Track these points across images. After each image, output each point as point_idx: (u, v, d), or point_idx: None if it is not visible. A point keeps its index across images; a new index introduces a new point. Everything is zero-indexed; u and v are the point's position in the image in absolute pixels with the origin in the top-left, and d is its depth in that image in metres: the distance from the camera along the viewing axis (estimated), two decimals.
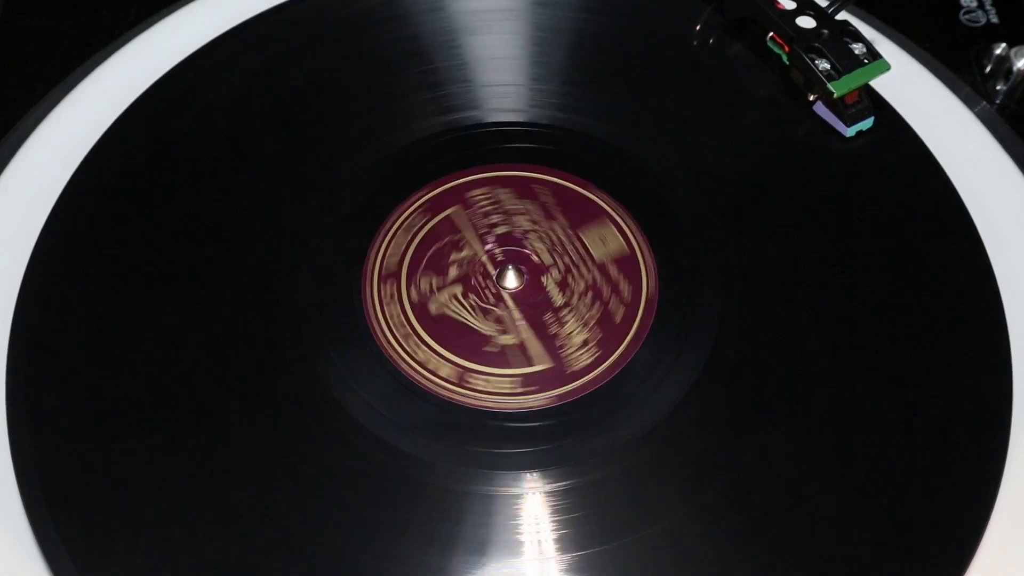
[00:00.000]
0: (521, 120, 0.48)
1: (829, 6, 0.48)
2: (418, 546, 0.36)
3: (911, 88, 0.50)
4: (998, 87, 0.51)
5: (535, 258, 0.43)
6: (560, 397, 0.40)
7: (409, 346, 0.41)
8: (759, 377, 0.40)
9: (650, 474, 0.38)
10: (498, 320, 0.42)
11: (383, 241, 0.43)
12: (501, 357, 0.41)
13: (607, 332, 0.41)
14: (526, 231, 0.44)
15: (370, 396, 0.39)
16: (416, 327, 0.41)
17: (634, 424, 0.39)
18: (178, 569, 0.36)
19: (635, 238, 0.44)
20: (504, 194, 0.45)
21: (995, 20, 0.55)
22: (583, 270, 0.43)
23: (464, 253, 0.43)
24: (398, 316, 0.41)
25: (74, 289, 0.42)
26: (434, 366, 0.40)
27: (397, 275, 0.42)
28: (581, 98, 0.48)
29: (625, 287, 0.42)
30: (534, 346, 0.41)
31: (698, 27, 0.51)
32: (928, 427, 0.39)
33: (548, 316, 0.42)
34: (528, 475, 0.38)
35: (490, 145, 0.47)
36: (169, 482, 0.37)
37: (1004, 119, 0.50)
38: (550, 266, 0.43)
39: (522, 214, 0.44)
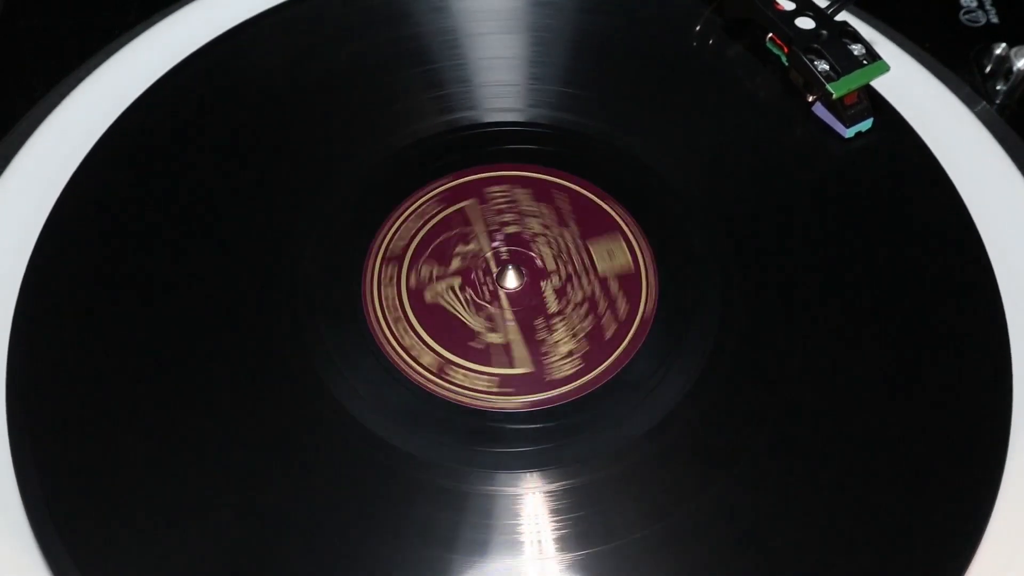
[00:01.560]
0: (524, 120, 0.48)
1: (828, 7, 0.48)
2: (418, 546, 0.36)
3: (911, 88, 0.50)
4: (998, 87, 0.51)
5: (539, 262, 0.43)
6: (533, 404, 0.40)
7: (397, 330, 0.41)
8: (759, 377, 0.40)
9: (650, 474, 0.38)
10: (489, 318, 0.42)
11: (394, 223, 0.43)
12: (484, 354, 0.41)
13: (594, 346, 0.41)
14: (535, 234, 0.44)
15: (371, 397, 0.39)
16: (408, 312, 0.41)
17: (634, 424, 0.39)
18: (178, 569, 0.36)
19: (642, 256, 0.44)
20: (522, 194, 0.45)
21: (995, 20, 0.55)
22: (584, 281, 0.43)
23: (471, 247, 0.43)
24: (393, 299, 0.42)
25: (74, 289, 0.42)
26: (417, 353, 0.40)
27: (400, 258, 0.42)
28: (583, 100, 0.48)
29: (622, 304, 0.42)
30: (519, 349, 0.41)
31: (697, 28, 0.51)
32: (928, 427, 0.39)
33: (539, 321, 0.42)
34: (528, 475, 0.38)
35: (503, 144, 0.47)
36: (168, 482, 0.37)
37: (1004, 119, 0.50)
38: (552, 272, 0.43)
39: (535, 216, 0.44)
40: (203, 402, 0.39)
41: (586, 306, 0.42)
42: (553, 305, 0.42)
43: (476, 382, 0.40)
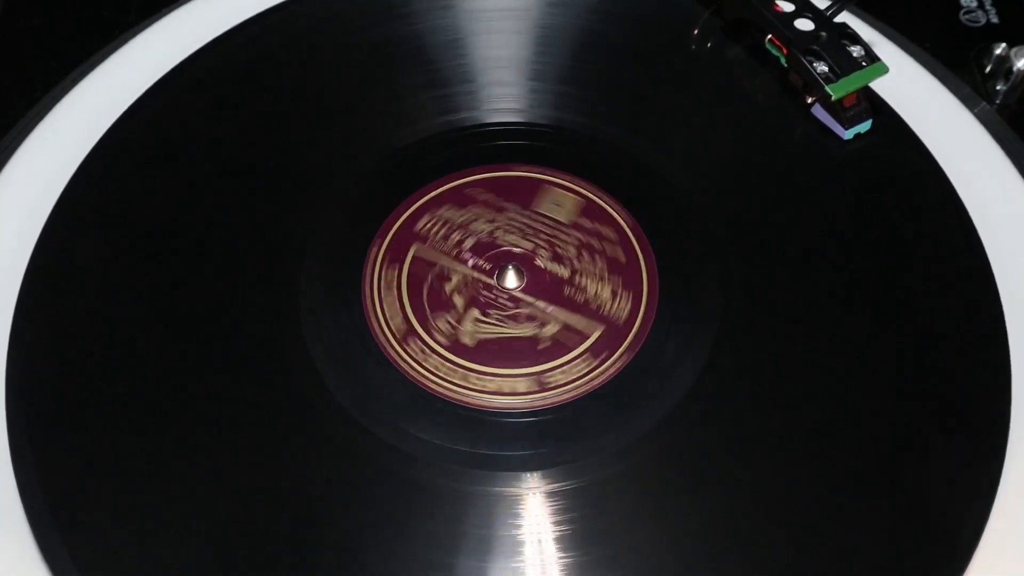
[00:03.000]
0: (525, 120, 0.48)
1: (828, 8, 0.48)
2: (418, 546, 0.36)
3: (911, 89, 0.50)
4: (998, 87, 0.51)
5: (517, 249, 0.44)
6: (631, 345, 0.40)
7: (473, 384, 0.40)
8: (758, 377, 0.40)
9: (650, 474, 0.38)
10: (530, 317, 0.42)
11: (377, 311, 0.42)
12: (558, 346, 0.41)
13: (623, 274, 0.42)
14: (491, 232, 0.44)
15: (374, 399, 0.40)
16: (466, 364, 0.41)
17: (634, 424, 0.39)
18: (178, 569, 0.36)
19: (583, 189, 0.45)
20: (447, 211, 0.45)
21: (995, 20, 0.55)
22: (564, 236, 0.43)
23: (455, 280, 0.43)
24: (443, 365, 0.41)
25: (74, 289, 0.42)
26: (511, 387, 0.40)
27: (413, 331, 0.42)
28: (578, 98, 0.48)
29: (607, 230, 0.43)
30: (577, 320, 0.41)
31: (696, 30, 0.51)
32: (928, 427, 0.39)
33: (567, 289, 0.42)
34: (528, 475, 0.38)
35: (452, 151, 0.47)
36: (169, 482, 0.37)
37: (1004, 119, 0.50)
38: (534, 249, 0.43)
39: (475, 220, 0.44)
40: (203, 402, 0.39)
41: (585, 252, 0.43)
42: (562, 270, 0.43)
43: (576, 370, 0.40)
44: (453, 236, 0.44)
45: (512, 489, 0.37)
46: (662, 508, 0.37)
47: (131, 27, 0.53)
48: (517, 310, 0.42)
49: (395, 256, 0.44)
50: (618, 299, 0.42)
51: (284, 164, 0.46)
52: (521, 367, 0.41)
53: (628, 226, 0.43)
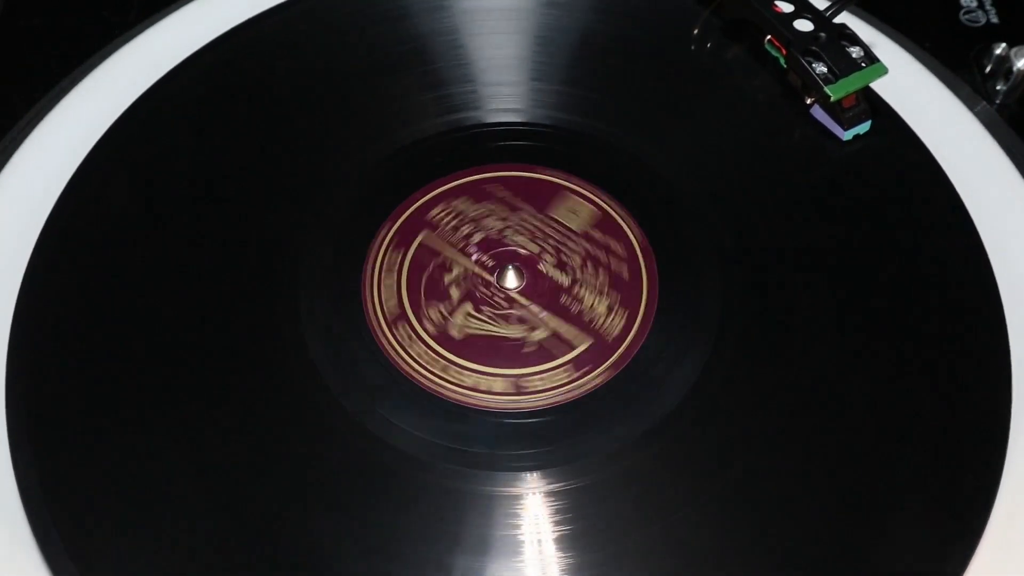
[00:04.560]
0: (525, 120, 0.48)
1: (827, 9, 0.48)
2: (418, 546, 0.36)
3: (911, 88, 0.50)
4: (998, 87, 0.51)
5: (523, 251, 0.44)
6: (615, 363, 0.40)
7: (452, 376, 0.40)
8: (758, 377, 0.40)
9: (650, 474, 0.38)
10: (521, 320, 0.42)
11: (373, 289, 0.42)
12: (543, 352, 0.41)
13: (623, 291, 0.42)
14: (501, 230, 0.44)
15: (393, 416, 0.39)
16: (449, 356, 0.41)
17: (634, 424, 0.39)
18: (178, 569, 0.36)
19: (601, 199, 0.44)
20: (462, 203, 0.45)
21: (995, 20, 0.55)
22: (572, 245, 0.43)
23: (455, 272, 0.43)
24: (426, 353, 0.41)
25: (74, 289, 0.42)
26: (487, 385, 0.40)
27: (404, 316, 0.42)
28: (578, 98, 0.48)
29: (616, 245, 0.43)
30: (567, 330, 0.41)
31: (696, 31, 0.51)
32: (928, 427, 0.39)
33: (564, 298, 0.42)
34: (528, 475, 0.38)
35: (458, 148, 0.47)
36: (169, 482, 0.37)
37: (1004, 119, 0.50)
38: (540, 253, 0.43)
39: (488, 216, 0.44)
40: (203, 402, 0.39)
41: (590, 263, 0.43)
42: (563, 279, 0.43)
43: (555, 379, 0.40)
44: (463, 229, 0.44)
45: (512, 489, 0.37)
46: (662, 508, 0.37)
47: (131, 27, 0.53)
48: (510, 311, 0.42)
49: (403, 240, 0.44)
50: (613, 315, 0.41)
51: (288, 161, 0.46)
52: (501, 367, 0.41)
53: (639, 244, 0.43)
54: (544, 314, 0.42)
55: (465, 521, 0.37)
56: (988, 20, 0.55)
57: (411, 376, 0.40)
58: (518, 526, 0.37)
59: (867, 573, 0.36)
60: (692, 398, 0.39)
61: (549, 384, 0.40)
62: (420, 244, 0.43)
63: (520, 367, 0.41)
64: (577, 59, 0.50)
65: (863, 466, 0.38)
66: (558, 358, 0.41)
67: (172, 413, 0.39)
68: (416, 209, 0.45)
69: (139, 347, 0.41)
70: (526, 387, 0.40)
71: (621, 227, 0.44)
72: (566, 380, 0.40)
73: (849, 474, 0.38)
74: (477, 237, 0.44)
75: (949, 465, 0.38)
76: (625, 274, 0.42)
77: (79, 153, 0.46)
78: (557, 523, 0.37)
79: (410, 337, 0.41)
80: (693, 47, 0.51)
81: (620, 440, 0.39)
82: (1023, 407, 0.40)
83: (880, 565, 0.36)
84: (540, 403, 0.40)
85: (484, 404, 0.40)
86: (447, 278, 0.43)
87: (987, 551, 0.37)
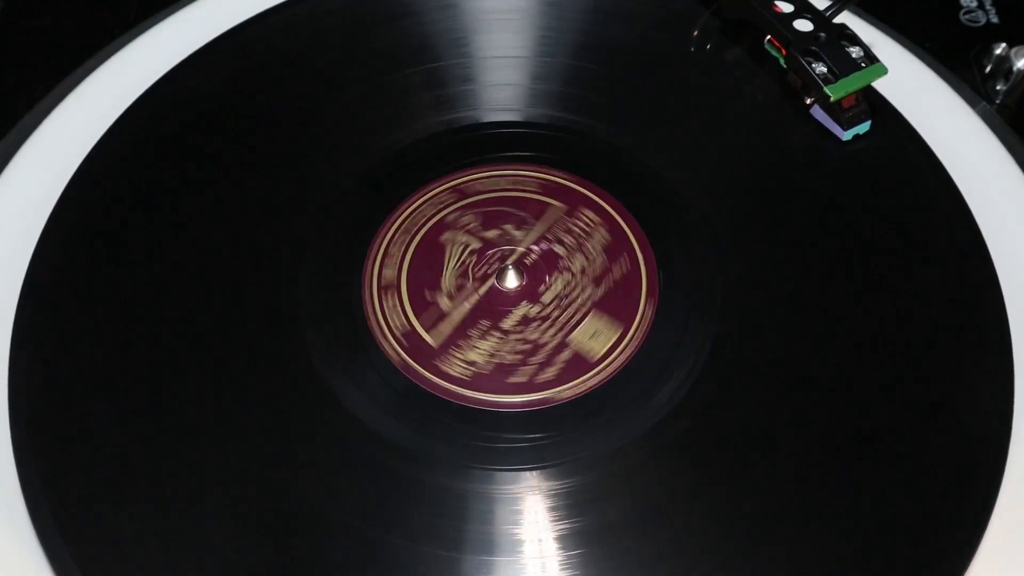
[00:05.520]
0: (525, 120, 0.48)
1: (827, 9, 0.48)
2: (419, 546, 0.36)
3: (911, 88, 0.50)
4: (998, 87, 0.51)
5: (542, 288, 0.43)
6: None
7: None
8: (758, 377, 0.40)
9: (650, 474, 0.38)
10: (460, 288, 0.42)
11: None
12: (425, 306, 0.42)
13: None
14: (564, 267, 0.44)
15: (373, 399, 0.40)
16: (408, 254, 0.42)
17: (634, 424, 0.39)
18: (179, 568, 0.36)
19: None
20: (592, 227, 0.44)
21: (995, 20, 0.55)
22: (551, 332, 0.42)
23: (517, 232, 0.43)
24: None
25: (75, 289, 0.42)
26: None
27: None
28: (579, 99, 0.48)
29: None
30: (448, 324, 0.42)
31: (696, 31, 0.51)
32: (929, 427, 0.39)
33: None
34: (528, 475, 0.38)
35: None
36: (170, 482, 0.37)
37: (1004, 119, 0.50)
38: (544, 293, 0.43)
39: (576, 253, 0.44)
40: (203, 400, 0.39)
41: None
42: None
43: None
44: (564, 236, 0.44)
45: (512, 489, 0.37)
46: (662, 508, 0.37)
47: (131, 27, 0.53)
48: (471, 279, 0.43)
49: (552, 191, 0.45)
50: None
51: (288, 161, 0.46)
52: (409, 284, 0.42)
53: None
54: (467, 305, 0.42)
55: (465, 521, 0.37)
56: (988, 20, 0.55)
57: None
58: (518, 526, 0.37)
59: (867, 573, 0.36)
60: (687, 401, 0.39)
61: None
62: (547, 205, 0.44)
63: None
64: (582, 61, 0.50)
65: (863, 466, 0.38)
66: (419, 317, 0.41)
67: (173, 412, 0.39)
68: (579, 192, 0.45)
69: (139, 346, 0.41)
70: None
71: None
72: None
73: (849, 474, 0.38)
74: (558, 248, 0.44)
75: (949, 465, 0.38)
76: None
77: (79, 153, 0.46)
78: (557, 523, 0.37)
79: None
80: (693, 48, 0.51)
81: (620, 440, 0.39)
82: (1023, 407, 0.40)
83: (880, 565, 0.36)
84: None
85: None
86: (506, 225, 0.43)
87: (987, 551, 0.37)
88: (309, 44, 0.50)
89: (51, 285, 0.42)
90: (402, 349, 0.41)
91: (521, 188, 0.46)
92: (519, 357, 0.41)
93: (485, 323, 0.42)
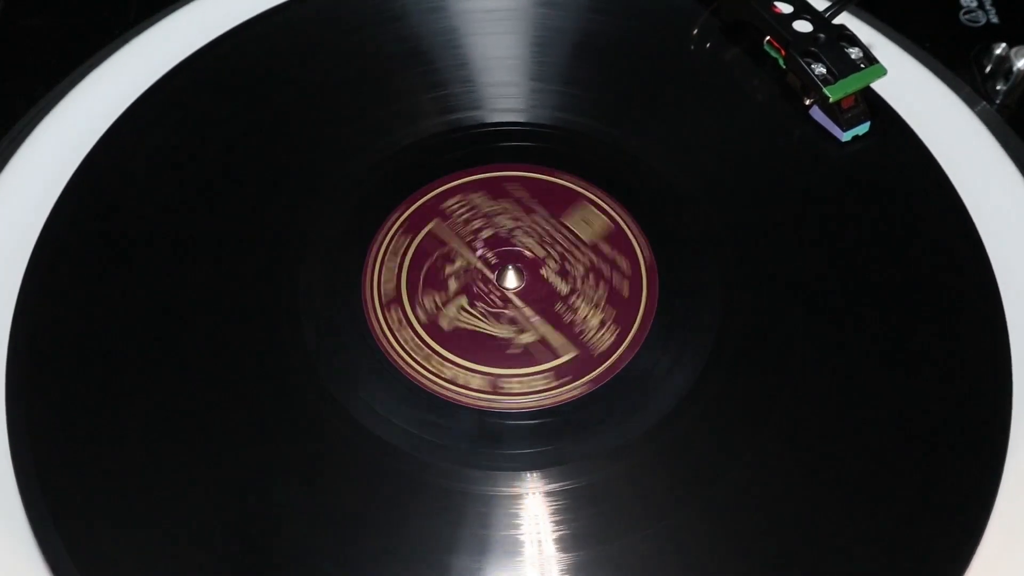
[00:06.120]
0: (526, 120, 0.48)
1: (827, 9, 0.48)
2: (418, 546, 0.36)
3: (911, 89, 0.50)
4: (998, 87, 0.51)
5: (528, 253, 0.44)
6: (595, 380, 0.40)
7: (433, 366, 0.40)
8: (758, 377, 0.40)
9: (650, 474, 0.38)
10: (512, 321, 0.42)
11: (374, 269, 0.43)
12: (527, 356, 0.41)
13: (620, 307, 0.42)
14: (511, 229, 0.44)
15: (374, 400, 0.40)
16: (434, 346, 0.41)
17: (634, 424, 0.39)
18: (179, 569, 0.36)
19: (617, 213, 0.44)
20: (478, 198, 0.45)
21: (995, 20, 0.55)
22: (578, 254, 0.43)
23: (458, 264, 0.43)
24: (412, 340, 0.41)
25: (74, 290, 0.42)
26: (464, 380, 0.40)
27: (399, 300, 0.42)
28: (577, 98, 0.48)
29: (622, 261, 0.43)
30: (555, 338, 0.41)
31: (695, 31, 0.51)
32: (928, 427, 0.39)
33: (559, 306, 0.42)
34: (528, 475, 0.38)
35: (472, 147, 0.47)
36: (170, 482, 0.37)
37: (1004, 119, 0.50)
38: (545, 258, 0.43)
39: (501, 214, 0.44)
40: (204, 402, 0.39)
41: (592, 275, 0.43)
42: (563, 287, 0.43)
43: (534, 384, 0.40)
44: (475, 223, 0.44)
45: (512, 489, 0.37)
46: (662, 508, 0.37)
47: (131, 27, 0.53)
48: (503, 310, 0.42)
49: (413, 225, 0.44)
50: (603, 330, 0.41)
51: (288, 160, 0.46)
52: (482, 364, 0.41)
53: (645, 263, 0.43)
54: (536, 319, 0.42)
55: (465, 521, 0.37)
56: (988, 20, 0.55)
57: (393, 360, 0.41)
58: (518, 526, 0.37)
59: (867, 573, 0.36)
60: (687, 401, 0.39)
61: (526, 388, 0.40)
62: (429, 232, 0.44)
63: (501, 367, 0.41)
64: (582, 61, 0.50)
65: (863, 466, 0.38)
66: (541, 364, 0.41)
67: (172, 413, 0.39)
68: (432, 198, 0.45)
69: (139, 346, 0.41)
70: (503, 387, 0.40)
71: (631, 243, 0.44)
72: (544, 386, 0.40)
73: (848, 474, 0.38)
74: (486, 233, 0.44)
75: (949, 465, 0.38)
76: (625, 291, 0.42)
77: (79, 153, 0.46)
78: (557, 523, 0.37)
79: (400, 322, 0.41)
80: (692, 47, 0.51)
81: (620, 440, 0.39)
82: (1023, 407, 0.40)
83: (880, 565, 0.36)
84: (515, 406, 0.40)
85: (461, 399, 0.40)
86: (448, 269, 0.43)
87: (987, 551, 0.37)
88: (309, 45, 0.50)
89: (50, 285, 0.42)
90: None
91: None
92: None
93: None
